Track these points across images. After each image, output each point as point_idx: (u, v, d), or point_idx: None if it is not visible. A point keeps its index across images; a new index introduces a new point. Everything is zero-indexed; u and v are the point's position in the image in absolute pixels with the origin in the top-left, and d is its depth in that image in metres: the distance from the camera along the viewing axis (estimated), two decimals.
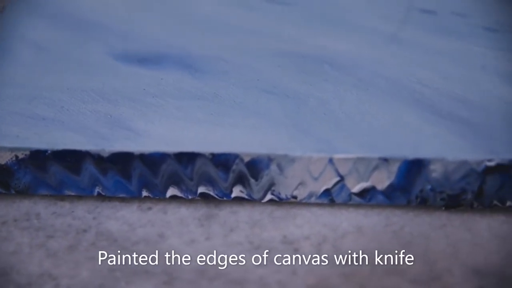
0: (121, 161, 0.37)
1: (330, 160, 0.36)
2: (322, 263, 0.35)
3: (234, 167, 0.37)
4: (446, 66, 0.43)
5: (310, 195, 0.38)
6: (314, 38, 0.47)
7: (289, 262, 0.35)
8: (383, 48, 0.46)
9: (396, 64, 0.44)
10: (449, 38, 0.47)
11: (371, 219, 0.38)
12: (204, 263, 0.35)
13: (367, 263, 0.35)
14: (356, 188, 0.37)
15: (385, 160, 0.36)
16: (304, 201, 0.38)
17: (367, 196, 0.37)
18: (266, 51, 0.46)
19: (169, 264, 0.35)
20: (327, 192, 0.38)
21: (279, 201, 0.38)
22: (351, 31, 0.48)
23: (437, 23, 0.49)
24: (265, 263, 0.35)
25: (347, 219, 0.38)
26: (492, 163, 0.35)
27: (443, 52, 0.45)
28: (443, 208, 0.38)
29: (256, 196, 0.38)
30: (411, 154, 0.36)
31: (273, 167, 0.37)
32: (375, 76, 0.42)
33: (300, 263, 0.35)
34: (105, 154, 0.37)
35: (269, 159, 0.36)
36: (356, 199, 0.38)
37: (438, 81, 0.42)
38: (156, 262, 0.35)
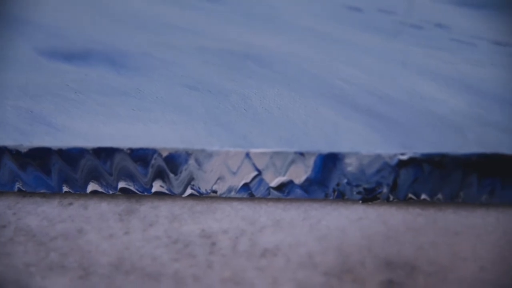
0: (40, 157, 0.37)
1: (247, 155, 0.37)
2: (238, 257, 0.35)
3: (152, 162, 0.37)
4: (368, 62, 0.44)
5: (230, 190, 0.38)
6: (241, 35, 0.47)
7: (205, 256, 0.35)
8: (308, 45, 0.46)
9: (319, 60, 0.44)
10: (373, 35, 0.47)
11: (289, 213, 0.38)
12: (120, 257, 0.35)
13: (282, 256, 0.35)
14: (274, 183, 0.38)
15: (301, 154, 0.36)
16: (224, 195, 0.38)
17: (285, 190, 0.38)
18: (193, 47, 0.46)
19: (86, 259, 0.35)
20: (246, 186, 0.38)
21: (199, 196, 0.39)
22: (279, 28, 0.48)
23: (363, 20, 0.49)
24: (181, 257, 0.35)
25: (266, 213, 0.38)
26: (404, 157, 0.36)
27: (367, 49, 0.45)
28: (360, 201, 0.38)
29: (176, 190, 0.38)
30: (326, 149, 0.36)
31: (192, 162, 0.37)
32: (298, 72, 0.43)
33: (216, 256, 0.35)
34: (23, 150, 0.37)
35: (187, 154, 0.37)
36: (275, 193, 0.38)
37: (359, 77, 0.42)
38: (73, 257, 0.35)
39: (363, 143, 0.37)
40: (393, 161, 0.36)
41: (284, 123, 0.38)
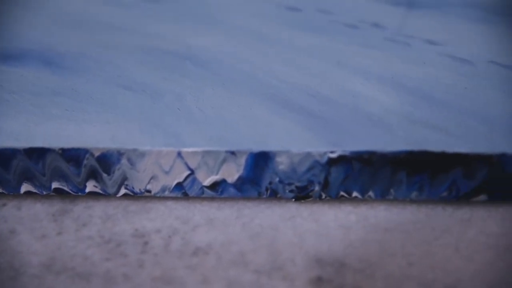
0: None
1: (179, 154, 0.37)
2: (170, 256, 0.35)
3: (85, 162, 0.37)
4: (303, 61, 0.44)
5: (164, 189, 0.38)
6: (179, 35, 0.48)
7: (137, 255, 0.35)
8: (245, 45, 0.46)
9: (255, 60, 0.44)
10: (311, 35, 0.48)
11: (223, 212, 0.38)
12: (52, 258, 0.35)
13: (214, 254, 0.35)
14: (207, 182, 0.38)
15: (232, 153, 0.36)
16: (158, 195, 0.39)
17: (218, 189, 0.38)
18: (130, 47, 0.46)
19: (17, 259, 0.35)
20: (179, 185, 0.38)
21: (134, 196, 0.39)
22: (216, 28, 0.48)
23: (301, 20, 0.50)
24: (113, 256, 0.35)
25: (199, 212, 0.38)
26: (334, 155, 0.36)
27: (303, 48, 0.46)
28: (293, 200, 0.38)
29: (110, 190, 0.38)
30: (257, 147, 0.36)
31: (124, 161, 0.37)
32: (234, 72, 0.43)
33: (148, 256, 0.35)
34: None
35: (119, 154, 0.37)
36: (209, 192, 0.38)
37: (293, 76, 0.43)
38: (4, 258, 0.35)
39: (294, 142, 0.37)
40: (323, 159, 0.36)
41: (217, 123, 0.38)
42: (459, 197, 0.37)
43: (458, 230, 0.36)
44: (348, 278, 0.34)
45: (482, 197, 0.37)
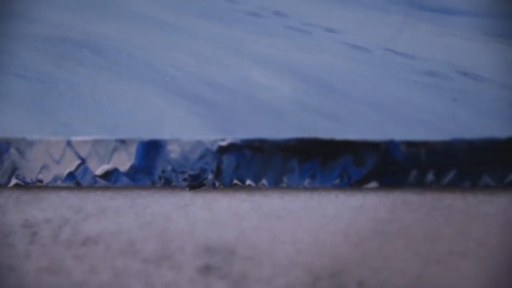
0: None
1: (69, 143, 0.36)
2: (58, 246, 0.35)
3: None
4: (203, 49, 0.44)
5: (56, 179, 0.38)
6: (77, 23, 0.47)
7: (24, 246, 0.35)
8: (144, 33, 0.46)
9: (154, 48, 0.44)
10: (212, 23, 0.47)
11: (116, 201, 0.38)
12: None
13: (103, 244, 0.35)
14: (99, 171, 0.37)
15: (122, 141, 0.36)
16: (50, 184, 0.38)
17: (111, 178, 0.38)
18: (24, 35, 0.45)
19: None
20: (71, 175, 0.37)
21: (26, 186, 0.38)
22: (117, 16, 0.48)
23: (204, 8, 0.49)
24: (0, 248, 0.35)
25: (93, 202, 0.38)
26: (224, 143, 0.36)
27: (204, 36, 0.46)
28: (187, 188, 0.38)
29: (1, 181, 0.38)
30: (148, 135, 0.36)
31: (13, 151, 0.36)
32: (131, 60, 0.43)
33: (35, 246, 0.35)
34: None
35: (7, 143, 0.36)
36: (102, 181, 0.38)
37: (191, 64, 0.42)
38: None
39: (186, 130, 0.37)
40: (214, 147, 0.36)
41: (110, 111, 0.38)
42: (351, 184, 0.37)
43: (349, 217, 0.37)
44: (236, 266, 0.34)
45: (373, 184, 0.37)
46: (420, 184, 0.37)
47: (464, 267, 0.33)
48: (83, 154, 0.37)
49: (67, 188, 0.39)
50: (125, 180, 0.38)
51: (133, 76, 0.41)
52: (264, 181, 0.38)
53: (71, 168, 0.37)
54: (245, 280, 0.33)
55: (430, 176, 0.37)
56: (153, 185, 0.38)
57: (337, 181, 0.37)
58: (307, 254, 0.34)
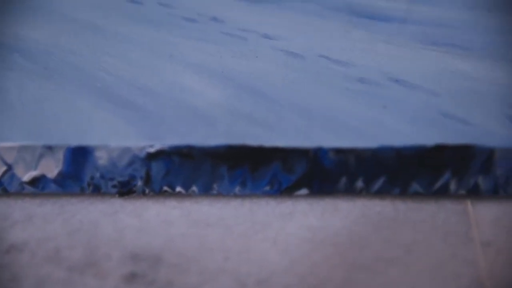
0: None
1: None
2: None
3: None
4: (136, 54, 0.44)
5: None
6: (11, 27, 0.46)
7: None
8: (77, 37, 0.45)
9: (86, 53, 0.44)
10: (148, 28, 0.47)
11: (45, 208, 0.37)
12: None
13: (28, 252, 0.34)
14: (26, 177, 0.37)
15: (49, 148, 0.35)
16: None
17: (39, 185, 0.37)
18: None
19: None
20: None
21: None
22: (50, 20, 0.47)
23: (141, 12, 0.49)
24: None
25: (20, 209, 0.37)
26: (152, 149, 0.36)
27: (138, 42, 0.45)
28: (117, 195, 0.38)
29: None
30: (75, 142, 0.36)
31: None
32: (63, 64, 0.42)
33: None
34: None
35: None
36: (29, 188, 0.37)
37: (124, 69, 0.42)
38: None
39: (115, 136, 0.36)
40: (142, 154, 0.36)
41: (38, 116, 0.37)
42: (282, 191, 0.37)
43: (278, 224, 0.36)
44: (162, 273, 0.34)
45: (304, 191, 0.37)
46: (350, 191, 0.37)
47: (391, 273, 0.33)
48: (9, 160, 0.36)
49: None
50: (53, 186, 0.37)
51: (64, 81, 0.41)
52: (194, 188, 0.37)
53: None
54: (170, 287, 0.33)
55: (359, 183, 0.37)
56: (82, 192, 0.38)
57: (267, 188, 0.37)
58: (235, 261, 0.34)
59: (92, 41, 0.45)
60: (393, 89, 0.40)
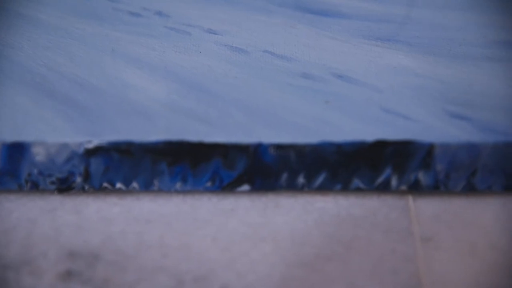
0: None
1: None
2: None
3: None
4: (78, 49, 0.43)
5: None
6: None
7: None
8: (20, 32, 0.45)
9: (28, 47, 0.43)
10: (91, 23, 0.46)
11: None
12: None
13: None
14: None
15: None
16: None
17: None
18: None
19: None
20: None
21: None
22: None
23: (85, 6, 0.48)
24: None
25: None
26: (91, 145, 0.35)
27: (81, 36, 0.45)
28: (56, 192, 0.37)
29: None
30: (11, 138, 0.35)
31: None
32: (2, 59, 0.42)
33: None
34: None
35: None
36: None
37: (64, 65, 0.41)
38: None
39: (53, 132, 0.36)
40: (81, 150, 0.35)
41: None
42: (223, 187, 0.37)
43: (219, 221, 0.36)
44: (99, 271, 0.33)
45: (246, 187, 0.37)
46: (292, 187, 0.37)
47: (330, 270, 0.33)
48: None
49: None
50: None
51: (3, 76, 0.40)
52: (134, 185, 0.37)
53: None
54: (107, 285, 0.32)
55: (301, 179, 0.37)
56: (20, 189, 0.37)
57: (208, 184, 0.37)
58: (173, 259, 0.34)
59: (34, 35, 0.44)
60: (336, 84, 0.40)
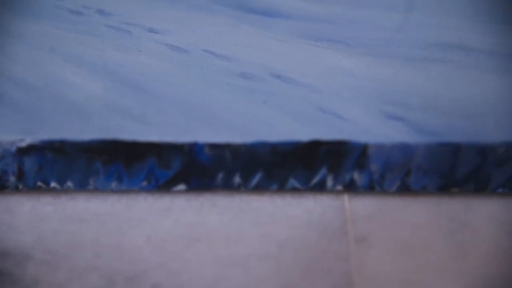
0: None
1: None
2: None
3: None
4: (16, 47, 0.43)
5: None
6: None
7: None
8: None
9: None
10: (30, 20, 0.46)
11: None
12: None
13: None
14: None
15: None
16: None
17: None
18: None
19: None
20: None
21: None
22: None
23: (25, 4, 0.48)
24: None
25: None
26: (23, 144, 0.35)
27: (18, 34, 0.44)
28: None
29: None
30: None
31: None
32: None
33: None
34: None
35: None
36: None
37: (1, 62, 0.41)
38: None
39: None
40: (13, 148, 0.35)
41: None
42: (159, 186, 0.37)
43: (154, 220, 0.36)
44: (29, 270, 0.33)
45: (182, 186, 0.37)
46: (228, 187, 0.37)
47: (263, 270, 0.33)
48: None
49: None
50: None
51: None
52: (69, 184, 0.37)
53: None
54: (37, 285, 0.32)
55: (237, 179, 0.36)
56: None
57: (144, 183, 0.36)
58: (106, 258, 0.34)
59: None
60: (274, 84, 0.40)
